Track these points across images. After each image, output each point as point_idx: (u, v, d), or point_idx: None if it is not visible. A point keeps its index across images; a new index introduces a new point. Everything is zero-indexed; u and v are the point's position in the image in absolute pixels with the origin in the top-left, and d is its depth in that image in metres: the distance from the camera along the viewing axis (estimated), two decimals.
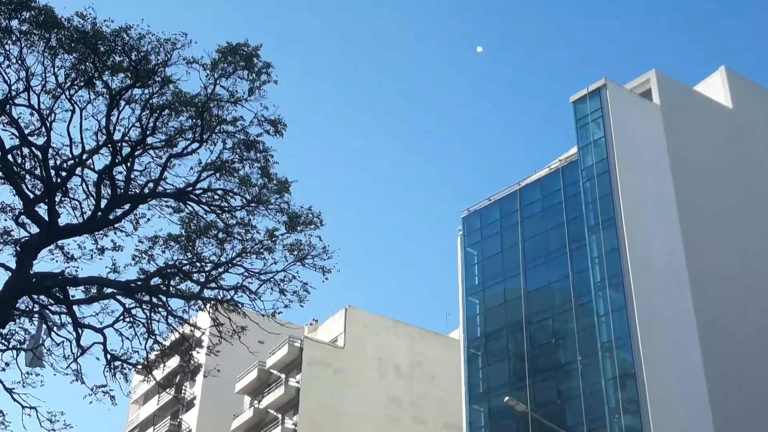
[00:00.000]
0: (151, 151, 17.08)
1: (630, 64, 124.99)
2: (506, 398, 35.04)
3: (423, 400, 60.42)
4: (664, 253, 40.22)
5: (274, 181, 17.21)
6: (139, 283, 16.89)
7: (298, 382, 58.35)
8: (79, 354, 16.82)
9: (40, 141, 16.20)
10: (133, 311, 17.22)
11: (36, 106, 16.02)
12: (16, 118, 16.12)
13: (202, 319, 20.84)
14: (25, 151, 16.40)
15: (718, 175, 44.71)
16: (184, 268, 17.35)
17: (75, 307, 16.52)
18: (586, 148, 42.80)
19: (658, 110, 44.00)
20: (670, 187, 41.87)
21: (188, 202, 17.36)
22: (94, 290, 16.94)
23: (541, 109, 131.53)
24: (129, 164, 16.86)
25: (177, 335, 18.34)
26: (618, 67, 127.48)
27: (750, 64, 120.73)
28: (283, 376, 59.93)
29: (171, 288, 17.34)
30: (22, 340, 16.34)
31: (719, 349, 38.61)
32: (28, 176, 16.49)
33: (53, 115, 16.15)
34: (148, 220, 17.46)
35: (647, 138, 43.13)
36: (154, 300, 17.19)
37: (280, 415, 58.85)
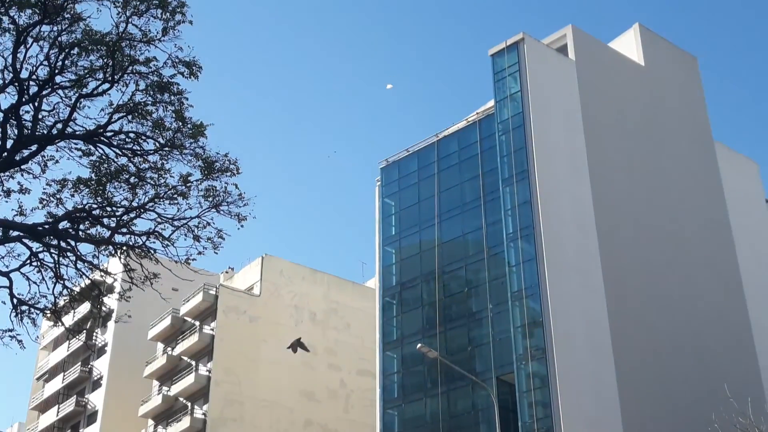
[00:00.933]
0: (59, 91, 16.53)
1: (549, 18, 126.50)
2: (418, 345, 35.82)
3: (338, 347, 61.16)
4: (574, 206, 41.34)
5: (189, 125, 16.88)
6: (46, 226, 16.46)
7: (212, 330, 58.20)
8: None
9: None
10: (41, 255, 16.81)
11: None
12: None
13: (114, 265, 20.49)
14: None
15: (628, 130, 45.98)
16: (93, 212, 16.97)
17: None
18: (503, 102, 43.33)
19: (573, 66, 44.80)
20: (581, 142, 42.91)
21: (99, 145, 16.91)
22: None
23: (462, 60, 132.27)
24: (36, 104, 16.30)
25: (87, 281, 18.02)
26: (537, 21, 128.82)
27: (665, 21, 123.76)
28: (197, 323, 59.67)
29: (80, 232, 16.96)
30: None
31: (624, 299, 40.20)
32: None
33: None
34: (57, 162, 16.94)
35: (562, 93, 43.93)
36: (63, 244, 16.80)
37: (194, 362, 58.73)
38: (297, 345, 37.18)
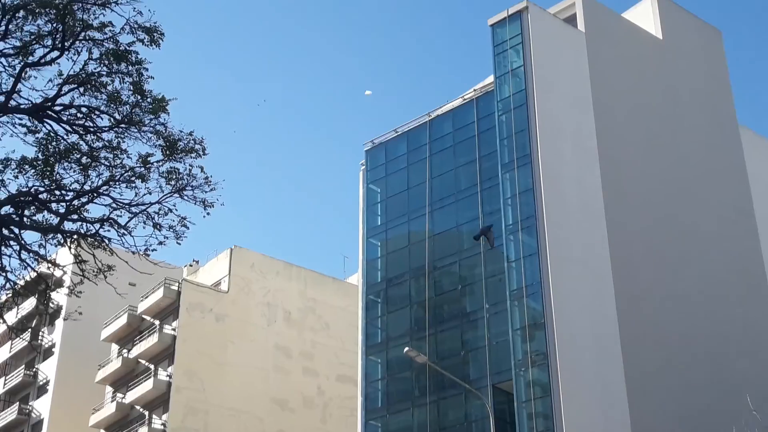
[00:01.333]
0: (2, 60, 16.47)
1: None
2: (406, 349, 35.98)
3: (315, 349, 61.33)
4: (581, 195, 41.52)
5: (149, 99, 16.87)
6: None
7: (174, 330, 58.23)
8: None
9: None
10: None
11: None
12: None
13: (63, 256, 20.43)
14: None
15: (643, 111, 46.14)
16: (40, 196, 16.93)
17: None
18: (504, 78, 43.41)
19: (583, 38, 44.89)
20: (591, 124, 43.03)
21: (46, 120, 16.86)
22: None
23: (457, 31, 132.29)
24: None
25: (32, 273, 17.97)
26: None
27: None
28: (157, 322, 59.68)
29: (25, 219, 16.92)
30: None
31: (635, 299, 40.44)
32: None
33: None
34: None
35: (570, 68, 44.04)
36: (5, 232, 16.76)
37: (152, 366, 58.75)
38: (485, 233, 38.60)
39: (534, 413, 37.16)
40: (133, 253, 17.30)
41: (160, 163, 17.31)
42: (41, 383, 67.50)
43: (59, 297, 20.25)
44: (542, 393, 37.30)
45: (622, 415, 37.47)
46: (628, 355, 38.85)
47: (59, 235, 17.17)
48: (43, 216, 17.05)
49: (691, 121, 48.26)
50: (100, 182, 17.14)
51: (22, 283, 18.39)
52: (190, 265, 64.75)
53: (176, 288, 59.30)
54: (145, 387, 57.19)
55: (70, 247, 17.52)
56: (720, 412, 38.64)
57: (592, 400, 37.26)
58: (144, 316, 60.80)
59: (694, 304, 42.72)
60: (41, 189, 16.99)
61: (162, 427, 55.87)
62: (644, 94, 46.79)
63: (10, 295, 18.30)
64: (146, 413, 57.76)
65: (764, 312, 45.91)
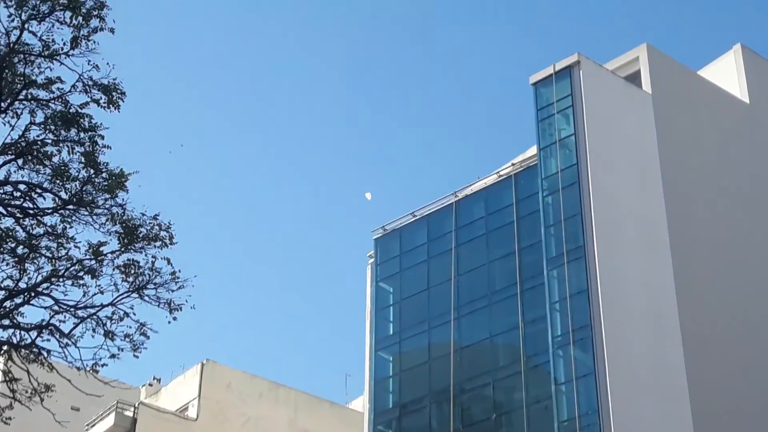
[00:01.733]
0: None
1: (613, 36, 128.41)
2: None
3: None
4: (649, 299, 41.46)
5: (104, 174, 17.01)
6: None
7: None
8: None
9: None
10: None
11: None
12: None
13: None
14: None
15: (725, 193, 46.25)
16: None
17: None
18: (550, 149, 43.67)
19: (649, 100, 45.25)
20: (661, 208, 43.08)
21: None
22: None
23: (492, 91, 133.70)
24: None
25: None
26: (597, 40, 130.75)
27: None
28: None
29: None
30: None
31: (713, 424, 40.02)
32: None
33: None
34: None
35: (633, 138, 44.35)
36: None
37: None
38: None
39: None
40: (78, 369, 17.22)
41: (116, 255, 17.37)
42: None
43: None
44: None
45: None
46: None
47: None
48: None
49: None
50: (40, 278, 17.18)
51: None
52: (150, 385, 64.29)
53: (131, 414, 58.90)
54: None
55: None
56: None
57: None
58: None
59: None
60: None
61: None
62: (727, 172, 46.96)
63: None
64: None
65: None
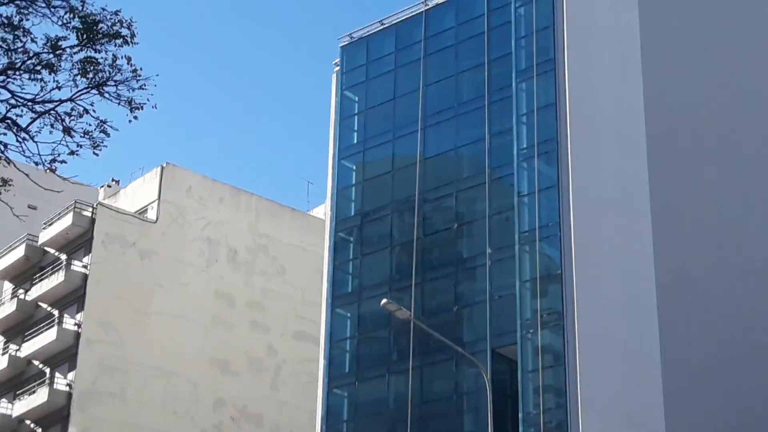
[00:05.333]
0: None
1: None
2: (383, 301, 36.04)
3: (267, 299, 61.65)
4: (619, 113, 41.41)
5: None
6: None
7: (86, 267, 58.25)
8: None
9: None
10: None
11: None
12: None
13: None
14: None
15: (704, 6, 45.71)
16: None
17: None
18: None
19: None
20: (635, 21, 42.44)
21: None
22: None
23: None
24: None
25: None
26: None
27: None
28: (63, 257, 59.63)
29: None
30: None
31: (677, 253, 40.50)
32: None
33: None
34: None
35: None
36: None
37: (56, 311, 58.87)
38: None
39: (542, 386, 37.74)
40: (36, 164, 17.06)
41: (75, 50, 17.03)
42: None
43: None
44: (554, 362, 37.89)
45: (654, 391, 37.81)
46: (666, 320, 39.06)
47: None
48: None
49: (751, 26, 47.94)
50: None
51: None
52: (109, 186, 64.49)
53: (89, 214, 59.11)
54: (47, 338, 57.38)
55: None
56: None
57: (617, 372, 37.72)
58: (47, 249, 60.73)
59: (752, 250, 42.69)
60: None
61: (67, 388, 56.10)
62: None
63: None
64: (47, 370, 57.97)
65: None
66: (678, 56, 44.16)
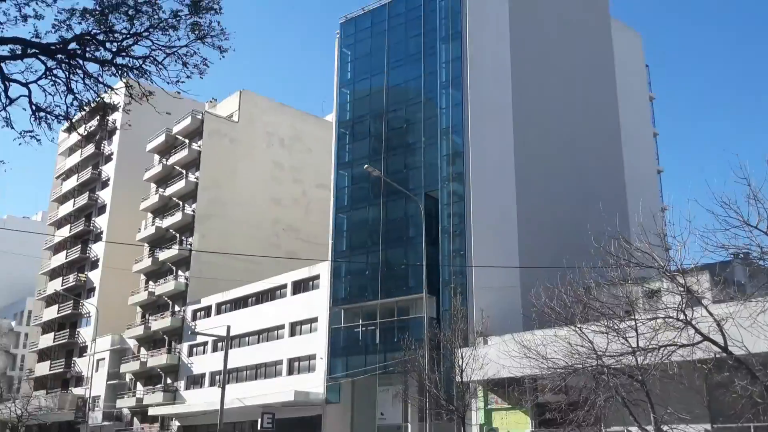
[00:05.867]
0: None
1: None
2: (365, 166, 35.85)
3: (301, 165, 61.34)
4: (495, 63, 40.76)
5: None
6: (59, 46, 15.48)
7: (200, 146, 57.57)
8: (7, 104, 15.57)
9: None
10: (54, 71, 15.93)
11: None
12: None
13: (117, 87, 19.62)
14: None
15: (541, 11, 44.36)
16: (98, 37, 15.97)
17: (2, 64, 15.04)
18: None
19: None
20: (506, 11, 41.76)
21: None
22: (19, 51, 15.42)
23: None
24: None
25: (94, 95, 17.23)
26: None
27: None
28: (187, 140, 58.82)
29: (87, 53, 16.02)
30: None
31: (527, 137, 40.53)
32: None
33: None
34: None
35: None
36: (72, 62, 15.90)
37: (184, 171, 58.44)
38: None
39: (452, 213, 37.95)
40: (168, 83, 16.52)
41: (187, 17, 16.32)
42: (104, 180, 67.22)
43: (115, 117, 19.52)
44: (458, 199, 37.97)
45: (512, 215, 38.35)
46: (520, 175, 39.31)
47: (113, 68, 16.37)
48: (100, 53, 16.20)
49: (575, 15, 46.64)
50: (142, 29, 16.16)
51: (85, 101, 17.65)
52: (210, 102, 63.25)
53: (200, 117, 58.17)
54: (179, 185, 57.25)
55: (120, 76, 16.78)
56: (580, 218, 39.64)
57: (492, 205, 37.88)
58: (177, 136, 59.89)
59: (569, 143, 42.76)
60: (98, 32, 16.02)
61: (192, 212, 56.23)
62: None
63: (80, 110, 17.64)
64: (180, 203, 57.97)
65: (616, 150, 46.65)
66: (533, 28, 43.15)
